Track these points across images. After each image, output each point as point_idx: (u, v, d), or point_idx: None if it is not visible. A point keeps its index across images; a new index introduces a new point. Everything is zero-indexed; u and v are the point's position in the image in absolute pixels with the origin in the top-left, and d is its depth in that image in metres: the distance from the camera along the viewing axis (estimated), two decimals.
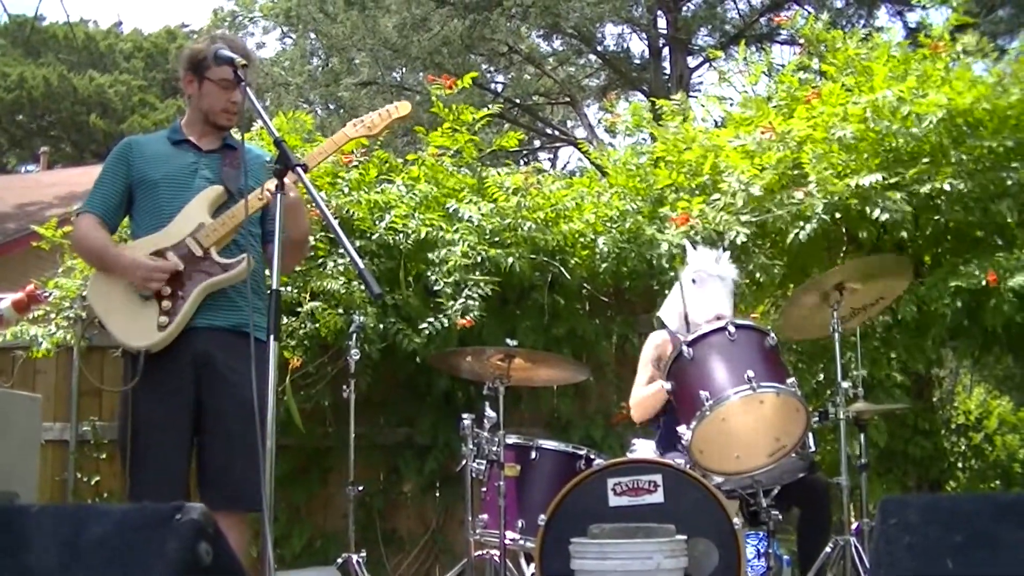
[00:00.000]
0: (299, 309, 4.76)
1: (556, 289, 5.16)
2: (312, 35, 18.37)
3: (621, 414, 5.25)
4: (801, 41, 5.97)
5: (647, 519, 2.93)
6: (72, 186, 14.15)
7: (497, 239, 5.04)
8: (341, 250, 4.50)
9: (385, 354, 4.83)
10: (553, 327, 5.14)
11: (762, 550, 3.72)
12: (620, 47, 18.17)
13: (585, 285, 5.31)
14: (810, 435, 3.38)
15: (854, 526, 3.63)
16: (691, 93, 14.57)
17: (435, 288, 4.81)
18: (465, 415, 3.49)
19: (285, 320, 4.68)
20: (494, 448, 3.43)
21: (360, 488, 4.27)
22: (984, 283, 4.48)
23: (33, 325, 5.43)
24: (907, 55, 5.18)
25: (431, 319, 4.73)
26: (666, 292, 4.83)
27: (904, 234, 4.77)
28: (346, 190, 5.17)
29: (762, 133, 4.99)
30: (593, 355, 5.27)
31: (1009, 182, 4.69)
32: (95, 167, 3.47)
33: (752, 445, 3.31)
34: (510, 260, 4.87)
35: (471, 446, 3.48)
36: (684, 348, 3.37)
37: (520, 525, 3.42)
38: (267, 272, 3.21)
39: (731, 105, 5.77)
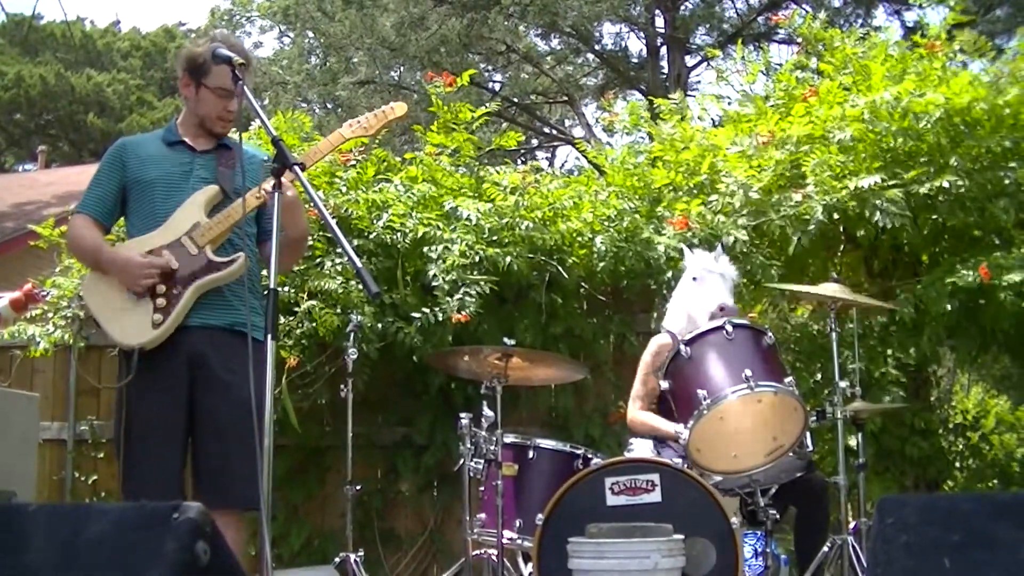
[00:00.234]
0: (296, 308, 4.76)
1: (554, 288, 5.16)
2: (310, 34, 18.37)
3: (619, 413, 5.25)
4: (799, 40, 5.98)
5: (645, 518, 2.93)
6: (70, 185, 14.14)
7: (495, 238, 5.04)
8: (339, 249, 4.50)
9: (383, 353, 4.83)
10: (551, 326, 5.13)
11: (760, 549, 3.73)
12: (618, 46, 18.21)
13: (583, 284, 5.31)
14: (808, 434, 3.38)
15: (851, 525, 3.64)
16: (689, 92, 14.58)
17: (433, 284, 4.81)
18: (463, 414, 3.50)
19: (282, 319, 4.67)
20: (492, 447, 3.44)
21: (358, 487, 4.26)
22: (979, 282, 4.48)
23: (31, 324, 5.43)
24: (904, 54, 5.19)
25: (425, 309, 4.73)
26: (664, 293, 4.84)
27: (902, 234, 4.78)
28: (344, 189, 5.16)
29: (760, 140, 4.99)
30: (591, 354, 5.27)
31: (1007, 181, 4.70)
32: (93, 166, 3.47)
33: (750, 444, 3.31)
34: (508, 259, 4.86)
35: (469, 445, 3.49)
36: (682, 347, 3.37)
37: (518, 524, 3.42)
38: (263, 272, 3.21)
39: (729, 104, 5.78)
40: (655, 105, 5.83)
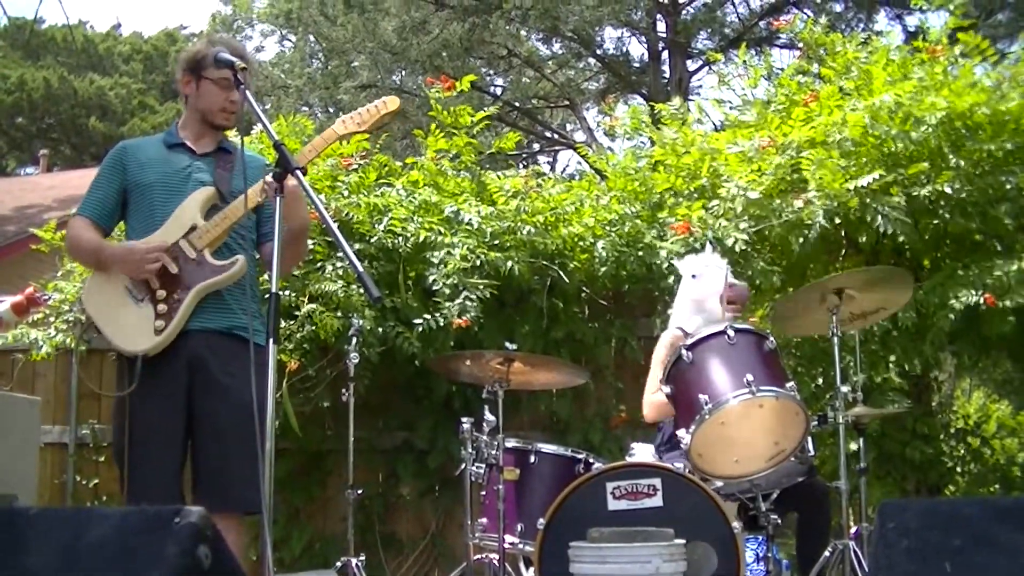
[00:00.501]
0: (297, 312, 4.76)
1: (555, 293, 5.16)
2: (312, 38, 18.40)
3: (620, 417, 5.25)
4: (800, 45, 5.98)
5: (646, 523, 2.93)
6: (72, 189, 14.14)
7: (496, 242, 5.04)
8: (340, 253, 4.50)
9: (384, 357, 4.83)
10: (552, 331, 5.14)
11: (761, 554, 3.72)
12: (619, 50, 18.21)
13: (584, 289, 5.32)
14: (809, 439, 3.38)
15: (853, 530, 3.63)
16: (690, 96, 14.60)
17: (433, 288, 4.81)
18: (464, 419, 3.50)
19: (283, 323, 4.68)
20: (493, 452, 3.43)
21: (359, 491, 4.26)
22: (983, 303, 4.50)
23: (33, 328, 5.43)
24: (906, 59, 5.18)
25: (427, 315, 4.73)
26: (666, 299, 4.84)
27: (903, 239, 4.77)
28: (345, 193, 5.17)
29: (761, 143, 4.98)
30: (592, 359, 5.28)
31: (1008, 186, 4.69)
32: (94, 170, 3.46)
33: (751, 449, 3.30)
34: (509, 263, 4.87)
35: (470, 450, 3.48)
36: (683, 352, 3.37)
37: (519, 529, 3.42)
38: (263, 274, 3.21)
39: (730, 108, 5.77)
40: (656, 109, 5.84)
